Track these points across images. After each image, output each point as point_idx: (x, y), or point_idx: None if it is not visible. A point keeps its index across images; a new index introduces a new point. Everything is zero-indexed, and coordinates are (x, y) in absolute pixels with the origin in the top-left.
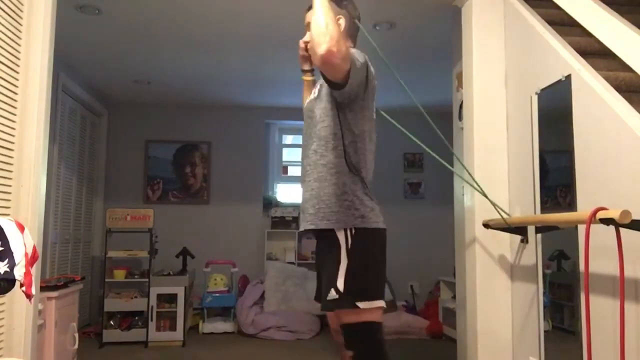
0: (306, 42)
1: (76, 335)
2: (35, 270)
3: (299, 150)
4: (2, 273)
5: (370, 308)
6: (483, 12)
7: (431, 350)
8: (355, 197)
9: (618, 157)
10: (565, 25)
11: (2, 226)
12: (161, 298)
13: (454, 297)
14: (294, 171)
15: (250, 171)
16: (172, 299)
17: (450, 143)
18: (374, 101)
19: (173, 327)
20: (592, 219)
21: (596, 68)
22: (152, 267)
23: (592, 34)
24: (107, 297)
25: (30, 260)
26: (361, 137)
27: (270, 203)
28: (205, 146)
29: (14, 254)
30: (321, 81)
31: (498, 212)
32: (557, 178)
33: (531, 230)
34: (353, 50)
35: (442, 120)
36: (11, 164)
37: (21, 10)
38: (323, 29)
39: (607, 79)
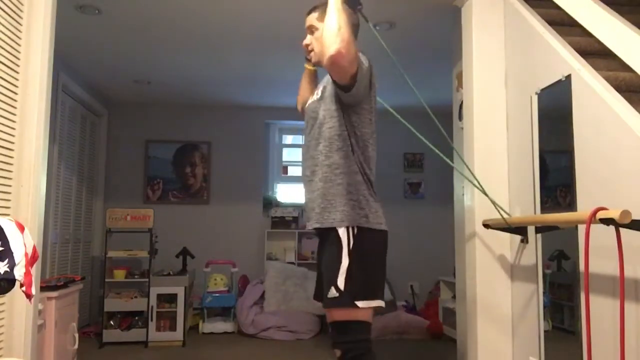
0: (307, 45)
1: (76, 335)
2: (35, 270)
3: (299, 150)
4: (2, 273)
5: (368, 307)
6: (483, 12)
7: (431, 350)
8: (361, 197)
9: (618, 157)
10: (565, 25)
11: (2, 226)
12: (161, 298)
13: (454, 297)
14: (294, 171)
15: (250, 171)
16: (172, 299)
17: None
18: (376, 103)
19: (173, 327)
20: (592, 219)
21: (596, 68)
22: (152, 267)
23: (592, 34)
24: (107, 297)
25: (30, 260)
26: (365, 139)
27: (270, 203)
28: (205, 146)
29: (14, 254)
30: (324, 82)
31: (498, 211)
32: (557, 178)
33: (531, 230)
34: (359, 54)
35: (442, 120)
36: (11, 164)
37: (21, 10)
38: (335, 30)
39: (607, 79)
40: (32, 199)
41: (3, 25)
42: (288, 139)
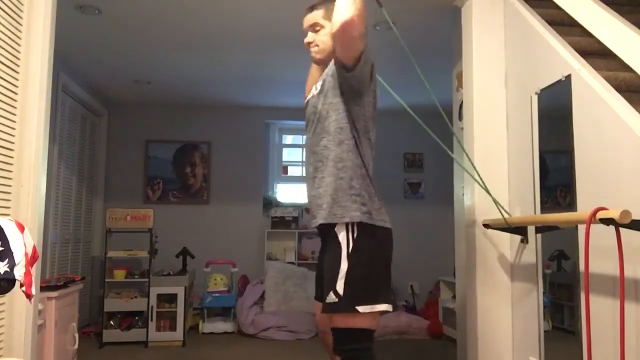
0: (309, 42)
1: (76, 335)
2: (35, 270)
3: (299, 150)
4: (2, 273)
5: (370, 312)
6: (483, 12)
7: (431, 350)
8: (364, 192)
9: (618, 157)
10: (565, 25)
11: (2, 226)
12: (161, 298)
13: (454, 297)
14: (294, 171)
15: (250, 171)
16: (172, 299)
17: (450, 143)
18: (376, 100)
19: (173, 327)
20: (592, 219)
21: (596, 68)
22: (152, 267)
23: (592, 34)
24: (107, 297)
25: (30, 260)
26: (365, 132)
27: (270, 203)
28: (205, 146)
29: (14, 254)
30: (323, 76)
31: (499, 210)
32: (557, 178)
33: (531, 230)
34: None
35: (442, 120)
36: (11, 164)
37: (21, 10)
38: (351, 3)
39: (607, 79)
40: (32, 199)
41: (3, 25)
42: (288, 139)
